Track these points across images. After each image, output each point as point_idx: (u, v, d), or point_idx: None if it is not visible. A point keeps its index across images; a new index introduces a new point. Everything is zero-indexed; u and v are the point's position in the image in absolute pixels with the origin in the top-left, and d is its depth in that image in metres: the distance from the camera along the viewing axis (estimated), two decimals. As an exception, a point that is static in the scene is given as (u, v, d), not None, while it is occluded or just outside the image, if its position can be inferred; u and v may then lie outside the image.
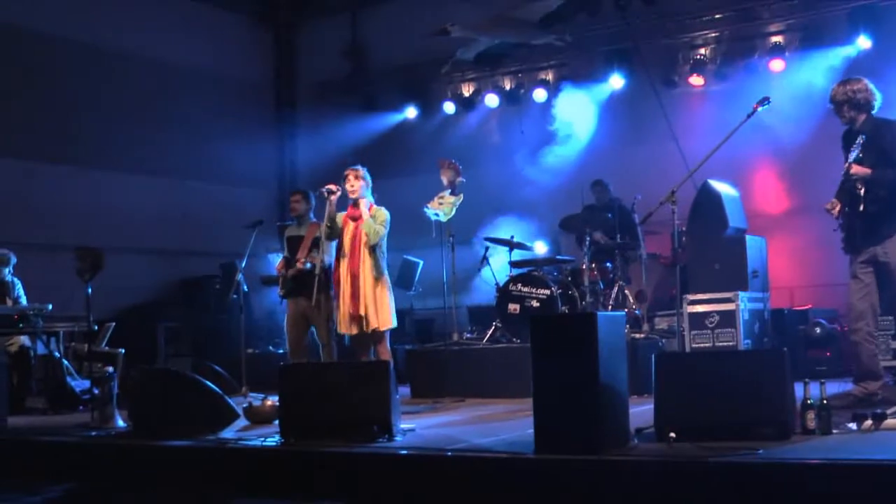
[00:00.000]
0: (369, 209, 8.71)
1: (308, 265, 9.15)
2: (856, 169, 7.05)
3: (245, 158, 15.26)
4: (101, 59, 13.65)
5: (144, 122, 13.95)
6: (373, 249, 8.63)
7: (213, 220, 14.37)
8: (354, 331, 8.62)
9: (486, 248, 11.18)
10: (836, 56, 11.57)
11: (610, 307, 10.41)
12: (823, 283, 11.37)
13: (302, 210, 9.81)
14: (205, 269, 14.32)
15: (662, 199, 7.41)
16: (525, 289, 10.38)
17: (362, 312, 8.53)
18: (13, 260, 10.73)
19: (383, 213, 8.78)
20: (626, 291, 10.69)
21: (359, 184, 8.72)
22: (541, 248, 11.96)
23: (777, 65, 12.20)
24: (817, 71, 11.49)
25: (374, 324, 8.57)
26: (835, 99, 7.33)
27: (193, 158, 14.72)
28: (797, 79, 11.72)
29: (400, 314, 9.01)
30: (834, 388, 6.78)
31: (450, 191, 9.99)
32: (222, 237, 13.40)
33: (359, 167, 8.82)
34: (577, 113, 12.96)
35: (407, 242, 11.08)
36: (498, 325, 10.64)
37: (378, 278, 8.64)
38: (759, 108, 7.42)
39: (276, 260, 10.55)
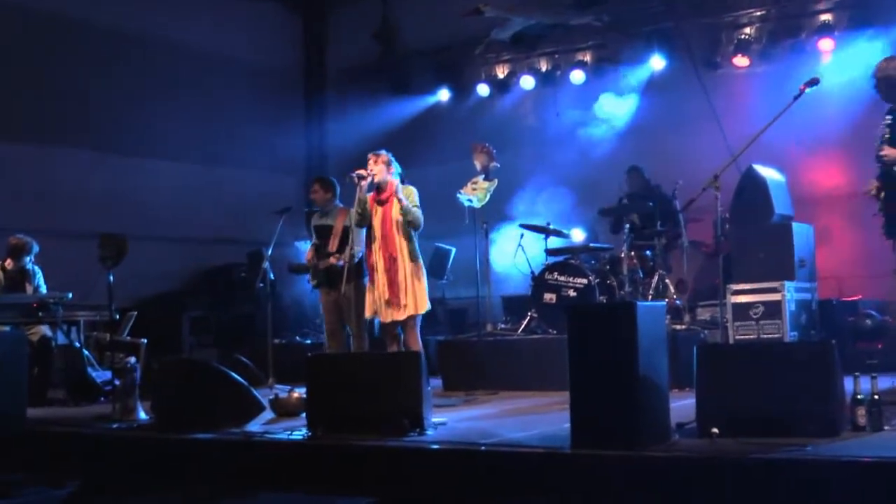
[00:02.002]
0: (397, 191, 8.74)
1: (340, 263, 9.16)
2: (886, 151, 6.96)
3: (273, 144, 15.38)
4: (124, 43, 13.68)
5: (169, 107, 13.98)
6: (408, 233, 8.67)
7: (239, 206, 14.43)
8: (390, 318, 8.64)
9: (521, 236, 11.16)
10: (889, 35, 11.43)
11: (650, 297, 10.37)
12: (874, 273, 11.07)
13: (321, 199, 9.83)
14: (231, 257, 14.40)
15: (705, 184, 7.35)
16: (561, 278, 10.39)
17: (402, 299, 8.58)
18: (35, 248, 10.75)
19: (411, 190, 8.81)
20: (667, 281, 10.62)
21: (380, 167, 8.74)
22: (578, 236, 11.92)
23: (826, 44, 12.05)
24: (868, 51, 11.30)
25: (414, 308, 8.63)
26: (875, 74, 7.25)
27: (220, 144, 14.75)
28: (847, 59, 11.58)
29: (431, 304, 9.02)
30: (886, 382, 6.67)
31: (483, 176, 10.00)
32: (249, 224, 13.48)
33: (381, 151, 8.84)
34: (615, 95, 13.00)
35: (439, 229, 10.93)
36: (533, 315, 10.64)
37: (414, 262, 8.71)
38: (807, 90, 7.31)
39: (305, 248, 10.61)
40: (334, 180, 9.84)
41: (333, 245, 9.46)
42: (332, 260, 9.40)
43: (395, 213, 8.69)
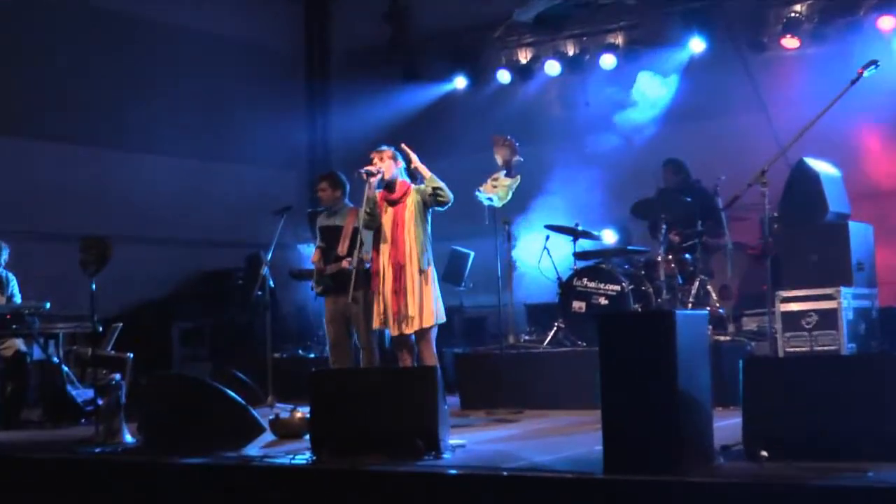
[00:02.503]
0: (406, 190, 8.79)
1: (351, 267, 9.15)
2: None
3: (272, 137, 15.37)
4: (110, 24, 13.69)
5: (159, 95, 13.99)
6: (420, 234, 8.66)
7: (235, 205, 14.46)
8: (397, 331, 8.65)
9: (547, 238, 11.19)
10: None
11: (690, 305, 10.39)
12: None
13: (329, 198, 9.86)
14: (226, 261, 14.44)
15: (750, 179, 7.35)
16: (591, 284, 10.44)
17: (409, 310, 8.57)
18: (5, 252, 10.70)
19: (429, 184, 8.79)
20: (709, 287, 10.63)
21: (387, 163, 8.78)
22: (609, 237, 11.94)
23: (886, 22, 11.90)
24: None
25: (420, 322, 8.60)
26: None
27: (214, 137, 14.76)
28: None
29: (448, 313, 9.05)
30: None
31: (505, 172, 9.97)
32: (246, 225, 13.49)
33: (384, 147, 8.90)
34: (650, 82, 13.01)
35: (456, 231, 11.22)
36: (560, 325, 10.68)
37: (424, 269, 8.67)
38: (865, 74, 7.29)
39: (308, 251, 10.67)
40: (343, 177, 9.87)
41: (343, 248, 9.49)
42: (344, 264, 9.41)
43: (407, 214, 8.71)
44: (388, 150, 8.85)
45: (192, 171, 14.52)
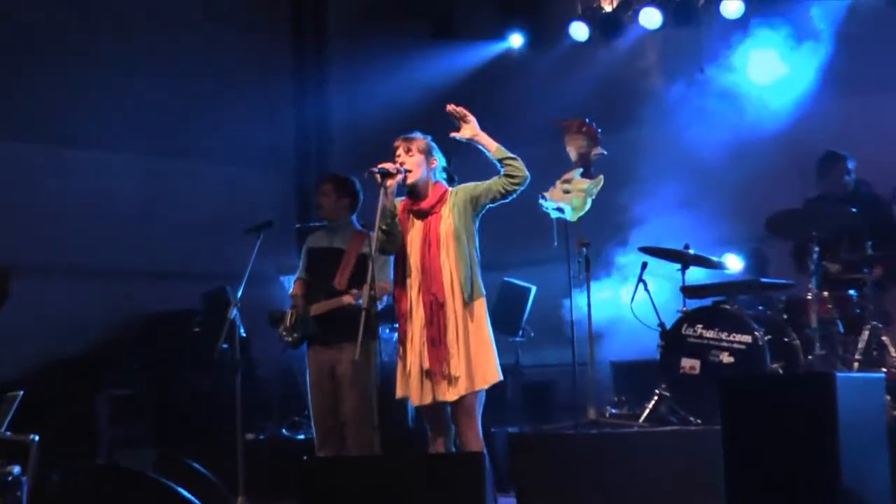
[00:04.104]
0: (442, 196, 8.58)
1: (360, 301, 8.98)
2: None
3: (246, 124, 15.46)
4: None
5: (89, 65, 14.00)
6: (463, 257, 8.42)
7: (193, 220, 14.43)
8: (432, 398, 8.36)
9: (643, 266, 11.14)
10: None
11: (856, 364, 10.26)
12: None
13: (332, 208, 9.99)
14: (178, 300, 14.33)
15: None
16: (709, 333, 10.36)
17: (451, 367, 8.28)
18: None
19: (470, 188, 8.60)
20: (884, 338, 10.55)
21: (416, 159, 8.58)
22: (734, 265, 11.85)
23: None
24: None
25: (469, 382, 8.30)
26: None
27: (166, 124, 14.74)
28: None
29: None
30: None
31: (581, 170, 10.06)
32: (206, 249, 13.79)
33: (416, 135, 8.69)
34: (791, 41, 13.01)
35: (509, 256, 11.47)
36: (664, 393, 10.67)
37: (471, 303, 8.42)
38: None
39: (291, 283, 10.77)
40: (357, 185, 9.85)
41: (342, 280, 9.48)
42: (346, 299, 9.38)
43: (444, 228, 8.48)
44: (420, 140, 8.63)
45: (132, 173, 14.56)
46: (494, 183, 8.41)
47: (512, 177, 8.34)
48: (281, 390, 13.58)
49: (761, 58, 13.11)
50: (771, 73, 13.06)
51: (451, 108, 8.54)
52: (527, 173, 8.37)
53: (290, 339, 9.81)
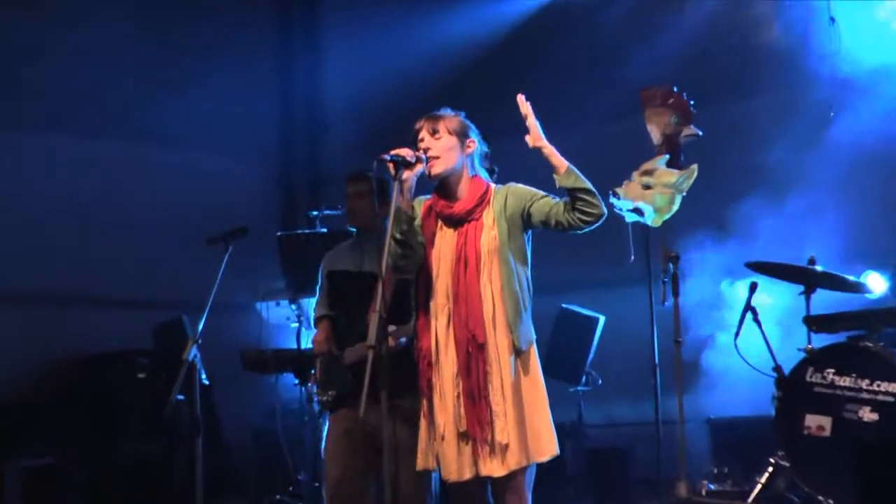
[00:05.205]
0: (483, 194, 7.57)
1: (403, 340, 8.41)
2: None
3: (217, 100, 14.74)
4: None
5: (27, 34, 13.31)
6: (511, 283, 7.47)
7: (143, 227, 13.82)
8: (470, 472, 7.38)
9: (752, 287, 10.33)
10: None
11: None
12: None
13: (367, 214, 9.11)
14: (118, 335, 13.24)
15: None
16: (844, 380, 9.61)
17: (496, 431, 7.32)
18: None
19: (523, 191, 7.66)
20: None
21: (445, 144, 7.60)
22: (878, 286, 10.85)
23: None
24: None
25: (523, 454, 7.32)
26: None
27: (114, 99, 13.97)
28: None
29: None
30: None
31: (667, 157, 9.57)
32: (161, 266, 13.35)
33: (447, 112, 7.73)
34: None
35: (567, 276, 11.27)
36: (781, 462, 9.96)
37: (524, 349, 7.43)
38: None
39: (280, 314, 11.09)
40: (389, 179, 8.89)
41: (376, 308, 8.02)
42: (391, 342, 8.06)
43: (486, 240, 7.52)
44: (451, 117, 7.65)
45: (68, 160, 13.64)
46: (558, 208, 7.57)
47: (585, 213, 7.55)
48: (257, 459, 12.67)
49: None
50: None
51: (523, 99, 7.62)
52: (604, 210, 7.60)
53: (324, 398, 8.91)
